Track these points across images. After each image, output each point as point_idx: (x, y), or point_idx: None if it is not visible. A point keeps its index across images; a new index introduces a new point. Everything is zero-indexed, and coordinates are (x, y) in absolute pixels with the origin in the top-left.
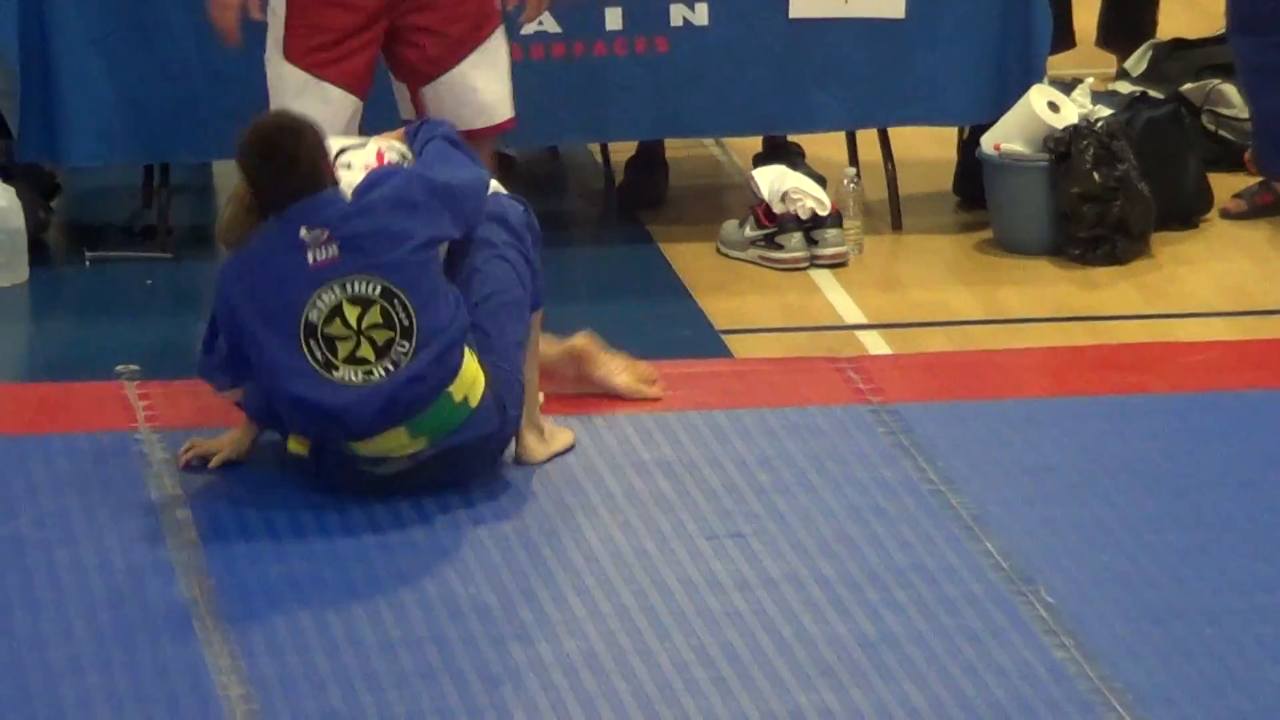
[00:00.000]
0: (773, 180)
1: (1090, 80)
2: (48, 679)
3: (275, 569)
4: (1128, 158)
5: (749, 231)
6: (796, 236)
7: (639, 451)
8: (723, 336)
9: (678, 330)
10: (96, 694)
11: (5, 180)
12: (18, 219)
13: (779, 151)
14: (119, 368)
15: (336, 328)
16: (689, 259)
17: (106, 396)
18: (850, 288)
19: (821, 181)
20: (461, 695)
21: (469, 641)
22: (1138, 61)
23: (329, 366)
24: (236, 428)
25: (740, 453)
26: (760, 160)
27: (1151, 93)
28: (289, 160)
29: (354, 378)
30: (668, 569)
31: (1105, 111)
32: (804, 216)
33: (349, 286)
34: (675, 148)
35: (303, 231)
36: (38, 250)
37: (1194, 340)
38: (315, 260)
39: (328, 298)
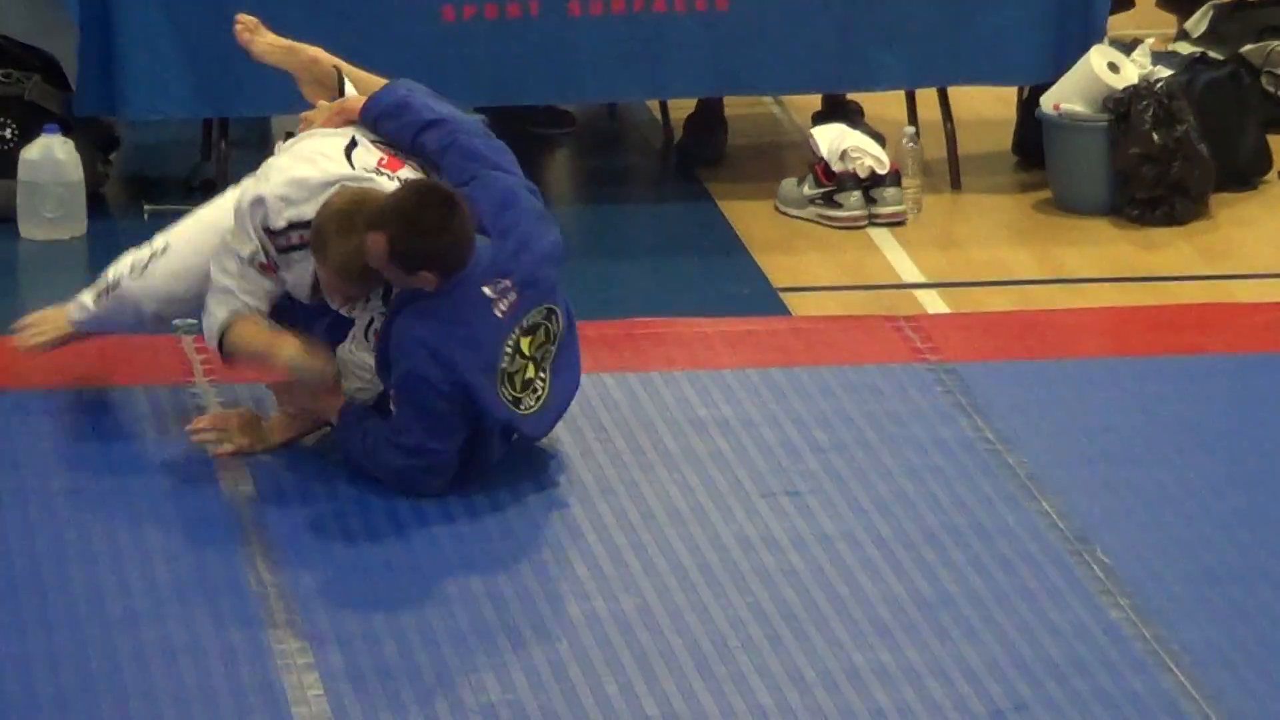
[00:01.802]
0: (832, 139)
1: (1150, 41)
2: (104, 631)
3: (331, 522)
4: (1187, 119)
5: (807, 190)
6: (855, 195)
7: (695, 409)
8: (781, 294)
9: (736, 288)
10: (152, 647)
11: (64, 133)
12: (77, 172)
13: (838, 110)
14: (176, 322)
15: (515, 363)
16: (747, 217)
17: (163, 350)
18: (908, 246)
19: (881, 140)
20: (517, 651)
21: (525, 598)
22: (1198, 22)
23: (516, 403)
24: (279, 417)
25: (797, 411)
26: (819, 118)
27: (1211, 54)
28: (463, 228)
29: (533, 404)
30: (723, 526)
31: (1165, 72)
32: (863, 175)
33: (523, 322)
34: (734, 106)
35: (486, 289)
36: (96, 203)
37: (1253, 301)
38: (502, 311)
39: (510, 341)
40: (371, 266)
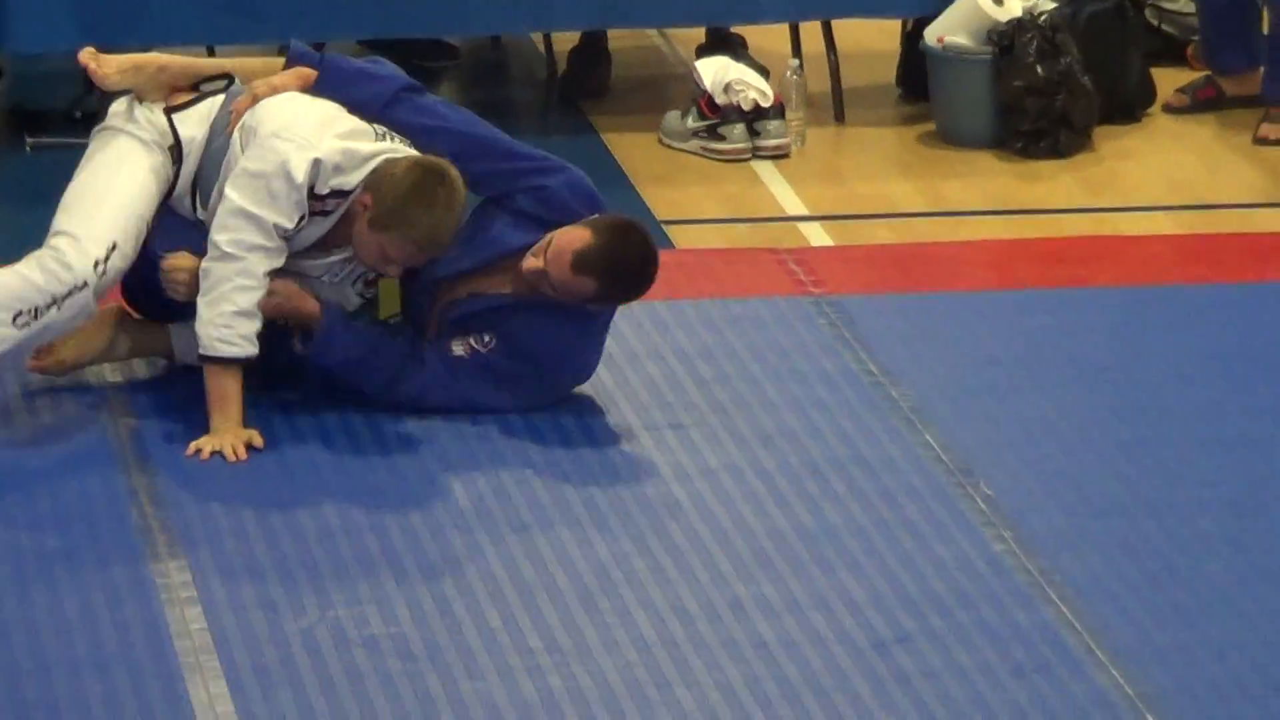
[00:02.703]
0: (715, 71)
1: None
2: None
3: (215, 457)
4: (1071, 51)
5: (691, 122)
6: (739, 128)
7: None
8: (664, 227)
9: None
10: (33, 581)
11: None
12: None
13: (722, 43)
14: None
15: None
16: (631, 149)
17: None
18: (792, 179)
19: (764, 73)
20: (400, 584)
21: (409, 532)
22: None
23: None
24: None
25: (681, 344)
26: (703, 51)
27: None
28: None
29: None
30: (606, 459)
31: (1049, 5)
32: (746, 108)
33: None
34: (618, 38)
35: None
36: None
37: (1137, 234)
38: None
39: None
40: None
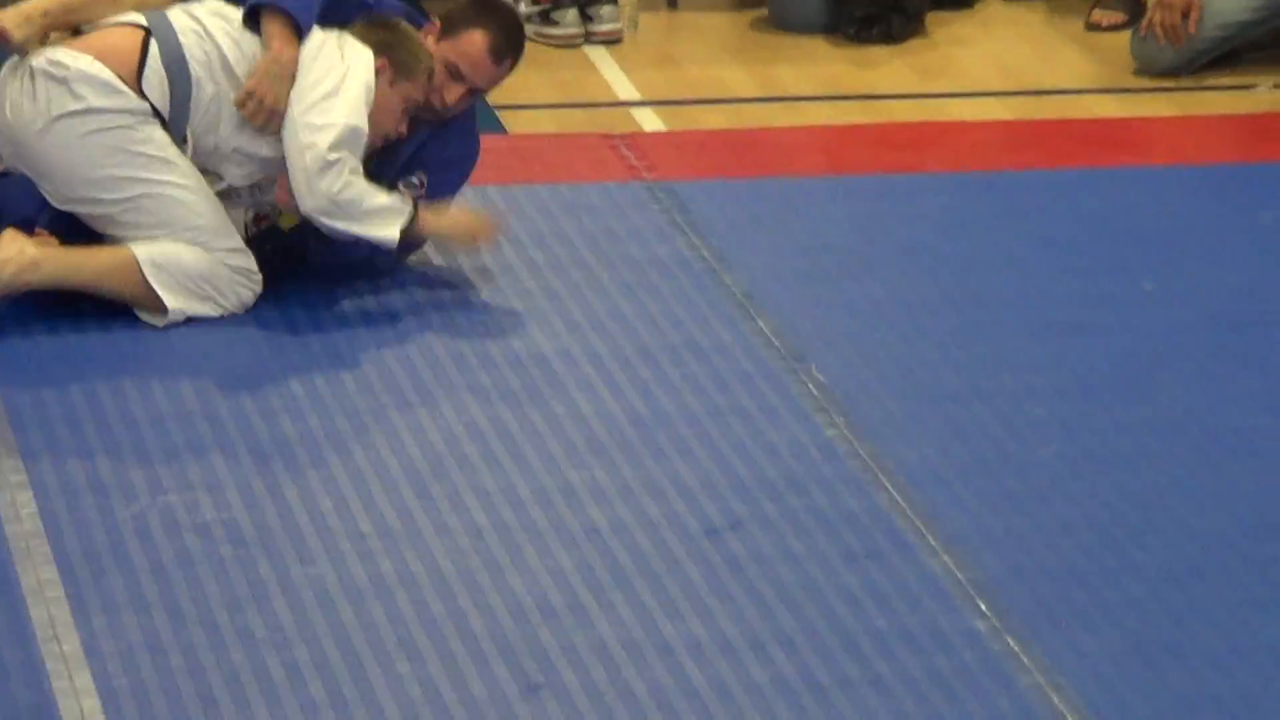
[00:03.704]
0: None
1: None
2: None
3: (46, 340)
4: None
5: (524, 8)
6: (571, 13)
7: None
8: (496, 112)
9: None
10: None
11: None
12: None
13: None
14: None
15: None
16: None
17: None
18: (625, 65)
19: None
20: (231, 469)
21: (239, 415)
22: None
23: None
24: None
25: (514, 229)
26: None
27: None
28: None
29: None
30: (440, 345)
31: None
32: None
33: None
34: None
35: None
36: None
37: (969, 120)
38: None
39: None
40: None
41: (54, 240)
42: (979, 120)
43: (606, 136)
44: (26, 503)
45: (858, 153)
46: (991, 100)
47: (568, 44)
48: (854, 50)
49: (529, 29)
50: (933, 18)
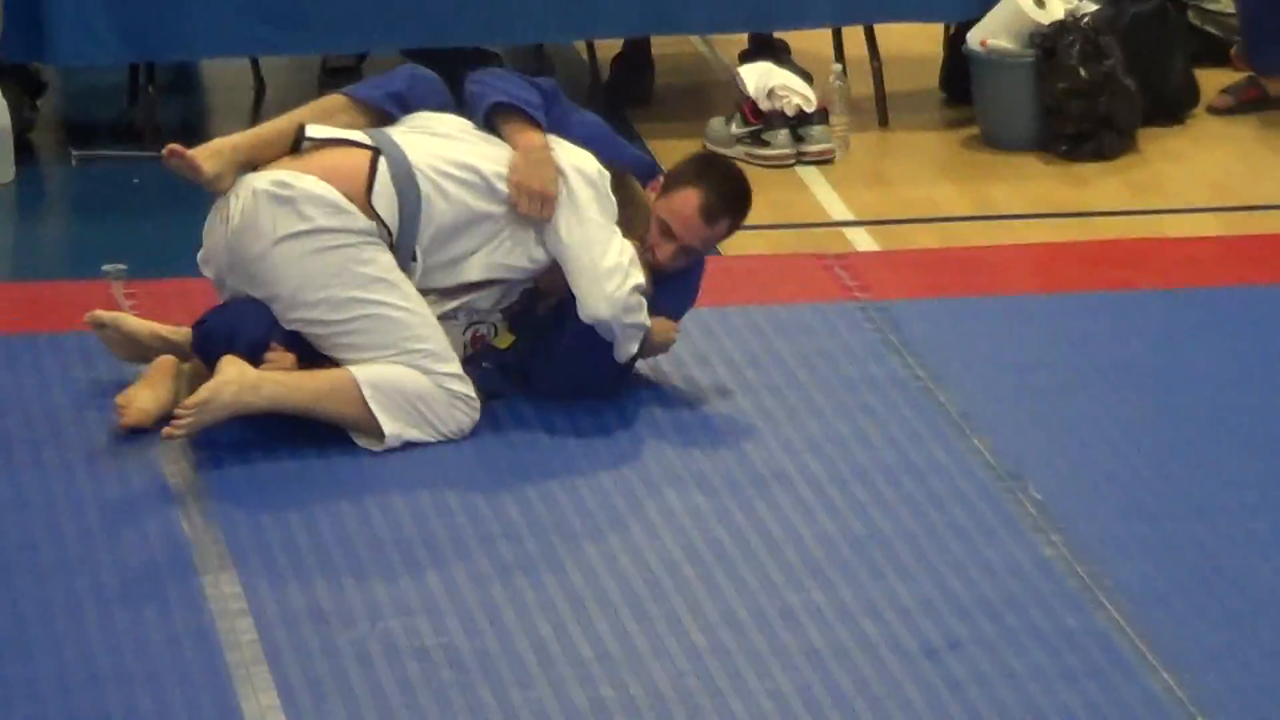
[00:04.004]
0: (759, 77)
1: None
2: (36, 580)
3: (264, 466)
4: (1114, 53)
5: (735, 128)
6: (783, 133)
7: None
8: None
9: None
10: (85, 594)
11: None
12: (4, 118)
13: (765, 48)
14: (106, 267)
15: None
16: (675, 156)
17: (93, 295)
18: (837, 184)
19: (808, 78)
20: (451, 594)
21: (458, 540)
22: None
23: None
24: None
25: (728, 350)
26: (746, 57)
27: None
28: None
29: None
30: (655, 467)
31: (1091, 7)
32: (790, 113)
33: None
34: (661, 45)
35: None
36: (24, 149)
37: (1181, 236)
38: None
39: None
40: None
41: (289, 357)
42: (1191, 236)
43: (819, 256)
44: (247, 629)
45: (1070, 270)
46: (1203, 216)
47: (780, 164)
48: (1066, 167)
49: (740, 149)
50: (1144, 133)
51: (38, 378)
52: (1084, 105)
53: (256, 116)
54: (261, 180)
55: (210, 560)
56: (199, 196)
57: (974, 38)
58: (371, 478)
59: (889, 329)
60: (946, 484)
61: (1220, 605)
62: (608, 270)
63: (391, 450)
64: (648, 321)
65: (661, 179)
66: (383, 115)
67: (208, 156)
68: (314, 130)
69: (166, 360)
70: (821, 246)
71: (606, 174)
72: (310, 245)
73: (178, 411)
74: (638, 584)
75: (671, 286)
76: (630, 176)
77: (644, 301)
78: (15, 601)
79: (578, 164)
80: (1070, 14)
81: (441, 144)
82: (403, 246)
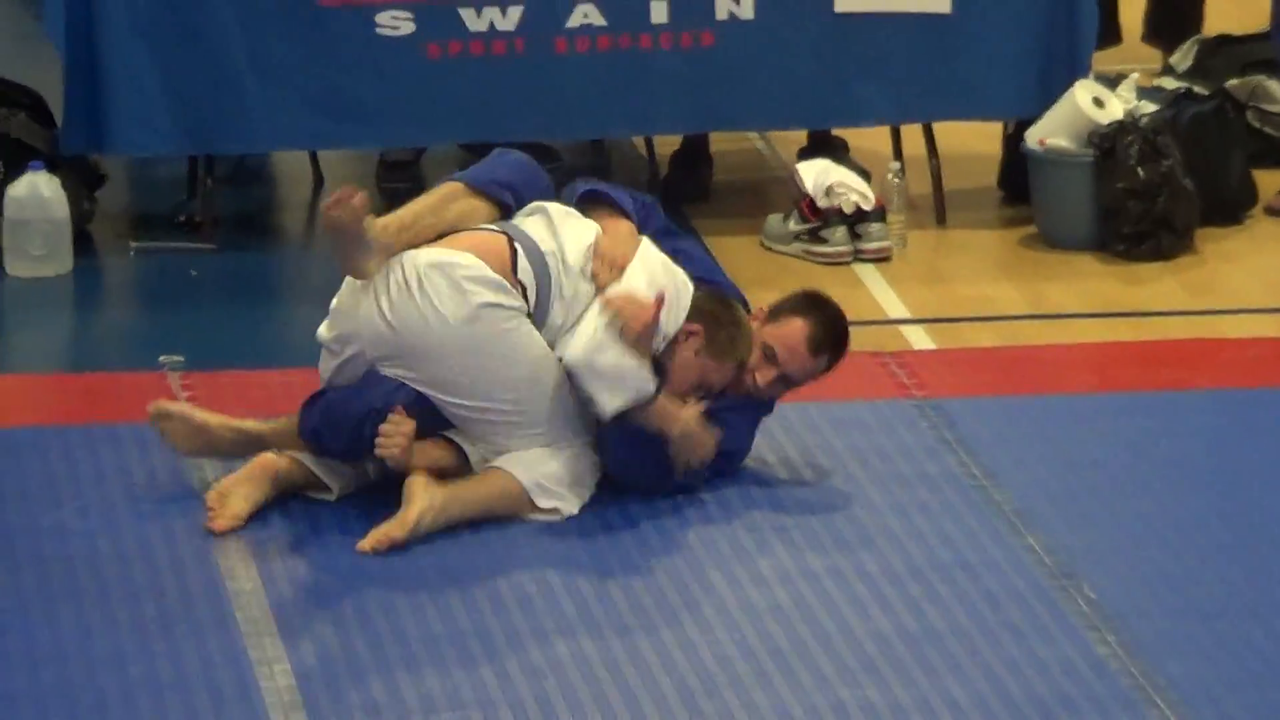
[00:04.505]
0: (817, 174)
1: (1135, 76)
2: (91, 670)
3: (320, 560)
4: (1172, 153)
5: (793, 225)
6: (841, 230)
7: None
8: None
9: None
10: (139, 685)
11: (50, 170)
12: (62, 209)
13: (823, 145)
14: (163, 358)
15: None
16: (733, 253)
17: (150, 387)
18: (894, 282)
19: (866, 175)
20: (504, 688)
21: (511, 634)
22: (1183, 57)
23: None
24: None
25: (784, 446)
26: (805, 154)
27: (1196, 88)
28: None
29: None
30: (709, 562)
31: (1150, 107)
32: (848, 210)
33: None
34: (720, 141)
35: None
36: (82, 241)
37: (1239, 336)
38: None
39: None
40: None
41: (410, 423)
42: (1248, 337)
43: (876, 354)
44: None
45: (1127, 370)
46: (1261, 316)
47: (837, 262)
48: (1123, 267)
49: (797, 246)
50: (1202, 234)
51: (94, 469)
52: (1142, 205)
53: (314, 209)
54: (430, 258)
55: (265, 652)
56: (256, 289)
57: (1032, 137)
58: (424, 572)
59: (945, 427)
60: (1001, 582)
61: (1272, 704)
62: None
63: (442, 544)
64: (649, 386)
65: (765, 309)
66: (498, 203)
67: (373, 225)
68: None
69: (269, 460)
70: (878, 344)
71: (690, 285)
72: (488, 328)
73: (381, 538)
74: (691, 680)
75: (733, 426)
76: (734, 301)
77: (638, 367)
78: (70, 691)
79: (668, 260)
80: (1129, 114)
81: (555, 226)
82: (537, 322)
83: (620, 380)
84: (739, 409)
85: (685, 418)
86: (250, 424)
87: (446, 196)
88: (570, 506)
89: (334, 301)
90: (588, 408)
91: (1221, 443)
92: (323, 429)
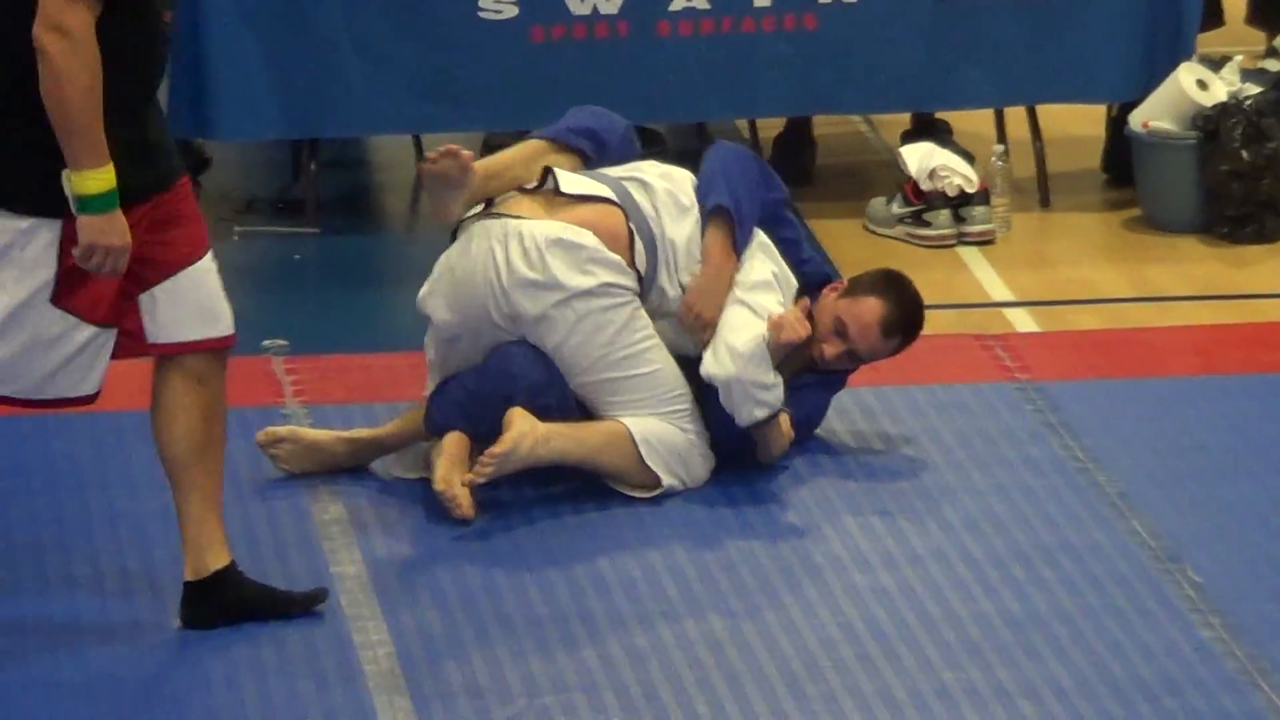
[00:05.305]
0: (921, 157)
1: (1239, 58)
2: (198, 654)
3: (423, 542)
4: (1276, 136)
5: (896, 209)
6: (944, 214)
7: None
8: None
9: None
10: (243, 666)
11: None
12: None
13: (927, 128)
14: (267, 342)
15: None
16: (836, 236)
17: (254, 371)
18: (998, 265)
19: (970, 159)
20: (606, 671)
21: (614, 617)
22: None
23: None
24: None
25: (887, 430)
26: (908, 137)
27: None
28: None
29: None
30: (814, 546)
31: (1254, 89)
32: (952, 194)
33: None
34: (823, 124)
35: None
36: None
37: None
38: None
39: None
40: None
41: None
42: None
43: (979, 337)
44: (404, 706)
45: (1231, 352)
46: None
47: (941, 245)
48: (1227, 249)
49: (901, 229)
50: None
51: None
52: (1246, 187)
53: (417, 193)
54: (548, 232)
55: (368, 635)
56: (359, 273)
57: (1136, 119)
58: (527, 552)
59: (1048, 410)
60: (1104, 565)
61: None
62: (735, 332)
63: (545, 525)
64: (779, 399)
65: (844, 282)
66: (579, 153)
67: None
68: (567, 184)
69: (459, 438)
70: (982, 327)
71: (794, 285)
72: (598, 304)
73: (482, 460)
74: (795, 663)
75: (807, 398)
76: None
77: (779, 382)
78: (174, 669)
79: (777, 270)
80: (1233, 96)
81: (657, 205)
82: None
83: (765, 391)
84: (815, 384)
85: (788, 434)
86: (362, 432)
87: (532, 153)
88: (671, 479)
89: (433, 275)
90: (726, 413)
91: None
92: (458, 421)
